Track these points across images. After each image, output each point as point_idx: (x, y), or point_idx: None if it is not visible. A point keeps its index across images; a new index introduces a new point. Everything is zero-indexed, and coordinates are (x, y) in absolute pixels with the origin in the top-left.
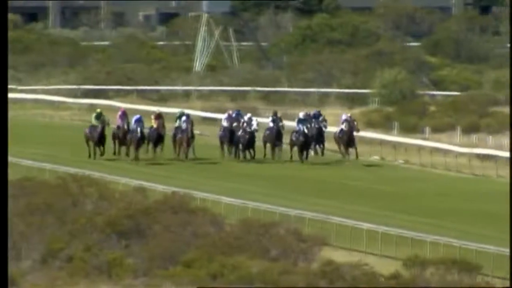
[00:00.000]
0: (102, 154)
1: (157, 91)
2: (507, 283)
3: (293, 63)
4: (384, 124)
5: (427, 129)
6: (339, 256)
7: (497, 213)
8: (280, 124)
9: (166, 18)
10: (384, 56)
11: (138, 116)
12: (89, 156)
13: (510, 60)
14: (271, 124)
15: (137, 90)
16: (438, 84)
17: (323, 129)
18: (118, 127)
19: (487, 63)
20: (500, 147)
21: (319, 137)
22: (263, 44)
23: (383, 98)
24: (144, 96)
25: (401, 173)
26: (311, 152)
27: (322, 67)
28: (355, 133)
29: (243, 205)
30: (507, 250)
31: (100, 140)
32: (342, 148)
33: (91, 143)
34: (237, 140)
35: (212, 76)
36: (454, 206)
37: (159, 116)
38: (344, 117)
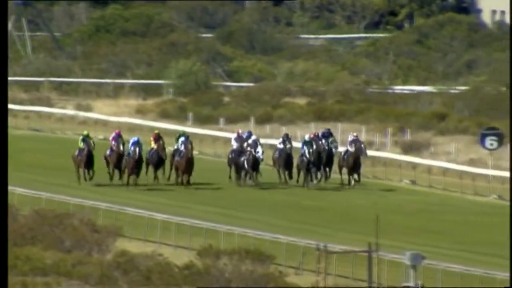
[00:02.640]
0: (91, 178)
1: None
2: (300, 272)
3: (87, 54)
4: (178, 115)
5: (222, 120)
6: (134, 247)
7: (293, 203)
8: (288, 146)
9: None
10: (178, 47)
11: (136, 138)
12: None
13: (510, 60)
14: (280, 146)
15: None
16: (232, 75)
17: (333, 151)
18: (111, 150)
19: (280, 54)
20: (292, 138)
21: (328, 159)
22: (56, 34)
23: (178, 88)
24: None
25: (196, 164)
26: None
27: (116, 57)
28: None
29: (36, 195)
30: (300, 240)
31: (88, 164)
32: (346, 172)
33: (78, 167)
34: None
35: None
36: (249, 197)
37: (159, 137)
38: (350, 138)
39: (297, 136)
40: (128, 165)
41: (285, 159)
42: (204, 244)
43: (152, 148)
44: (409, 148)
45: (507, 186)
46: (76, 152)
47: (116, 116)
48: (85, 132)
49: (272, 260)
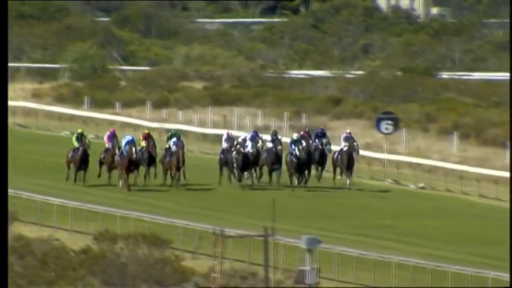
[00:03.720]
0: (84, 179)
1: None
2: (197, 257)
3: None
4: (74, 99)
5: (118, 104)
6: (30, 232)
7: (188, 187)
8: (279, 147)
9: None
10: (74, 30)
11: (130, 137)
12: (67, 179)
13: (510, 58)
14: (269, 145)
15: None
16: (128, 59)
17: (326, 150)
18: (106, 150)
19: (176, 39)
20: (189, 122)
21: (320, 159)
22: None
23: (74, 72)
24: None
25: (92, 148)
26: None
27: (12, 41)
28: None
29: None
30: (196, 225)
31: (81, 164)
32: (339, 171)
33: (72, 167)
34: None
35: None
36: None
37: (148, 136)
38: (344, 135)
39: (194, 120)
40: (122, 165)
41: (272, 160)
42: (100, 228)
43: (142, 147)
44: None
45: (402, 170)
46: (71, 152)
47: (12, 100)
48: (79, 130)
49: (168, 244)
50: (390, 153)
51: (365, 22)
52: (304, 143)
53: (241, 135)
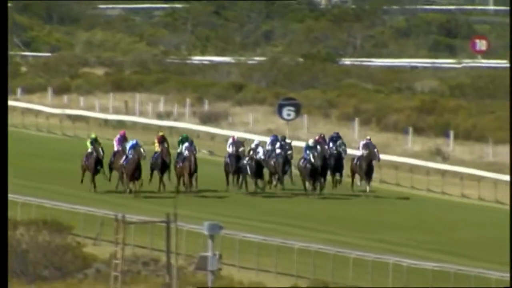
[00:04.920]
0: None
1: None
2: (98, 243)
3: None
4: None
5: (19, 90)
6: None
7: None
8: (289, 152)
9: None
10: None
11: (134, 141)
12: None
13: (510, 57)
14: (278, 151)
15: None
16: (29, 45)
17: (342, 155)
18: (115, 154)
19: (78, 24)
20: (91, 108)
21: (336, 164)
22: None
23: None
24: None
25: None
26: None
27: None
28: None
29: None
30: (98, 211)
31: (96, 170)
32: (359, 177)
33: (88, 173)
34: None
35: None
36: (45, 167)
37: (163, 139)
38: (363, 141)
39: (95, 106)
40: (128, 170)
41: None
42: None
43: (156, 152)
44: (207, 119)
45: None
46: (84, 157)
47: None
48: (93, 135)
49: (69, 231)
50: (292, 139)
51: (266, 9)
52: (319, 149)
53: (251, 138)
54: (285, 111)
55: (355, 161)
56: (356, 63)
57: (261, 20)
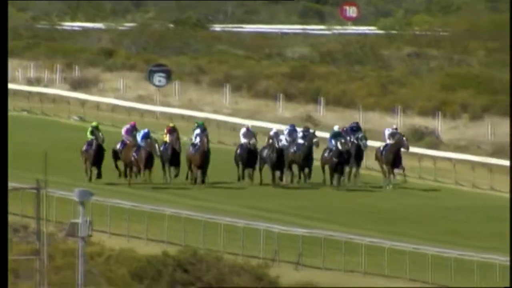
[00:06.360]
0: (98, 176)
1: None
2: None
3: None
4: None
5: None
6: None
7: None
8: (315, 140)
9: None
10: None
11: (146, 130)
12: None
13: (510, 59)
14: (300, 141)
15: None
16: None
17: (362, 146)
18: (124, 144)
19: None
20: None
21: (357, 155)
22: None
23: None
24: None
25: None
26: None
27: None
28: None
29: None
30: None
31: (96, 160)
32: (385, 168)
33: (88, 163)
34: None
35: None
36: None
37: (173, 130)
38: (389, 130)
39: None
40: (140, 159)
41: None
42: None
43: (166, 142)
44: (77, 85)
45: (176, 122)
46: (85, 146)
47: None
48: (94, 123)
49: None
50: (163, 105)
51: None
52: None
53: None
54: (156, 78)
55: (381, 150)
56: (227, 29)
57: None
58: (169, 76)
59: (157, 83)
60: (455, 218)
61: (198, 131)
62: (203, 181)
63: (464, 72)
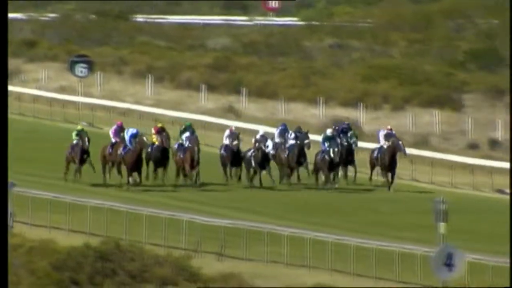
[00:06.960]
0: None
1: None
2: None
3: None
4: None
5: None
6: None
7: None
8: (306, 141)
9: None
10: None
11: (134, 130)
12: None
13: (510, 59)
14: (292, 142)
15: None
16: None
17: (353, 147)
18: (112, 145)
19: None
20: None
21: (348, 157)
22: None
23: None
24: None
25: None
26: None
27: None
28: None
29: None
30: None
31: (81, 161)
32: (379, 172)
33: (72, 164)
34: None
35: None
36: None
37: (162, 130)
38: (383, 132)
39: None
40: (128, 160)
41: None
42: None
43: (154, 143)
44: None
45: (97, 113)
46: (69, 148)
47: None
48: (79, 127)
49: None
50: (85, 96)
51: None
52: (338, 141)
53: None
54: (77, 68)
55: (375, 154)
56: (149, 20)
57: None
58: (91, 67)
59: (79, 74)
60: (378, 209)
61: (187, 133)
62: (196, 182)
63: (386, 63)
